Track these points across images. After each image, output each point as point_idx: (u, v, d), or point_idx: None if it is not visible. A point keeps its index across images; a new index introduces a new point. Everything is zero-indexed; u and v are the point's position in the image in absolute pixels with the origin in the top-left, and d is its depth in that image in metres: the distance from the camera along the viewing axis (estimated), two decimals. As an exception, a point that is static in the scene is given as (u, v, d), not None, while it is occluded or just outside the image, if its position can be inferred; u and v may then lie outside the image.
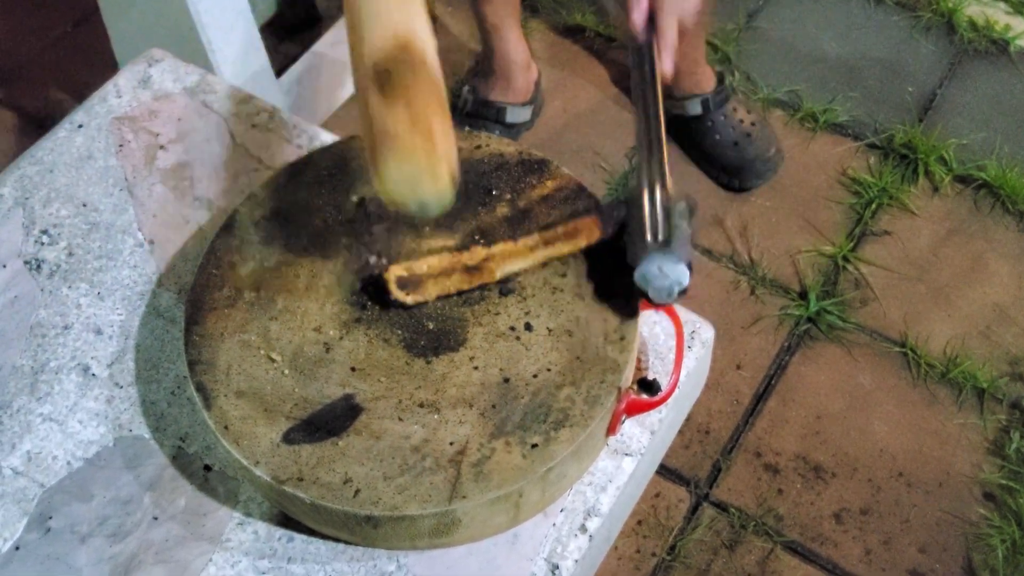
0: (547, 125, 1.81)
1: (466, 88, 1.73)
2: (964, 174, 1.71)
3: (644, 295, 0.74)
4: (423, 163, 0.69)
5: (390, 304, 0.77)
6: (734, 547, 1.36)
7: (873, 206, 1.68)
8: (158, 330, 0.87)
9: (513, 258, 0.78)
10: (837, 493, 1.40)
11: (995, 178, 1.69)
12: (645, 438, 0.79)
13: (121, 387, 0.84)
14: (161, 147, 0.99)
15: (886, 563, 1.34)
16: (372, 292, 0.78)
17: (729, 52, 1.89)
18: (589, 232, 0.78)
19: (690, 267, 0.73)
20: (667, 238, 0.74)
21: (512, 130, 1.73)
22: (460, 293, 0.78)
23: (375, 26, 0.69)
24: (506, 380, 0.73)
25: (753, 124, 1.69)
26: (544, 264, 0.78)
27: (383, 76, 0.68)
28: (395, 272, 0.77)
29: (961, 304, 1.57)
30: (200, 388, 0.74)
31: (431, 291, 0.77)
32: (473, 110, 1.71)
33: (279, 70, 1.65)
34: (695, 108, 1.69)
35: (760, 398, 1.49)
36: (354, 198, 0.84)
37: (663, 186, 0.76)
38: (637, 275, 0.74)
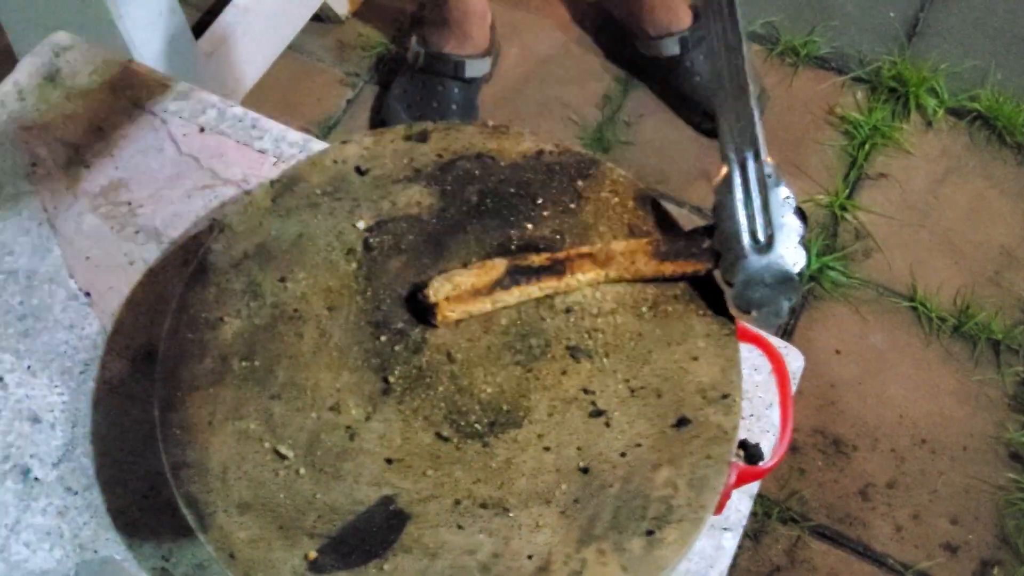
0: (506, 76, 1.62)
1: (415, 40, 1.53)
2: (957, 106, 1.60)
3: (746, 313, 0.59)
4: None
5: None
6: (759, 538, 1.25)
7: (866, 147, 1.56)
8: (114, 412, 0.68)
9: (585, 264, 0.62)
10: (860, 467, 1.31)
11: (989, 109, 1.58)
12: (744, 506, 0.65)
13: (75, 493, 0.65)
14: (85, 165, 0.78)
15: (918, 539, 1.26)
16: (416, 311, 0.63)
17: (697, -18, 1.72)
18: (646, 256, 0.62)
19: (800, 276, 0.58)
20: (770, 236, 0.58)
21: (471, 85, 1.53)
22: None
23: None
24: (587, 464, 0.58)
25: (736, 63, 1.53)
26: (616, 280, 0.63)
27: None
28: (439, 290, 0.60)
29: (967, 249, 1.48)
30: (191, 502, 0.57)
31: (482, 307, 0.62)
32: (426, 65, 1.50)
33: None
34: (672, 48, 1.52)
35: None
36: (359, 224, 0.66)
37: (758, 159, 0.59)
38: (735, 294, 0.58)
